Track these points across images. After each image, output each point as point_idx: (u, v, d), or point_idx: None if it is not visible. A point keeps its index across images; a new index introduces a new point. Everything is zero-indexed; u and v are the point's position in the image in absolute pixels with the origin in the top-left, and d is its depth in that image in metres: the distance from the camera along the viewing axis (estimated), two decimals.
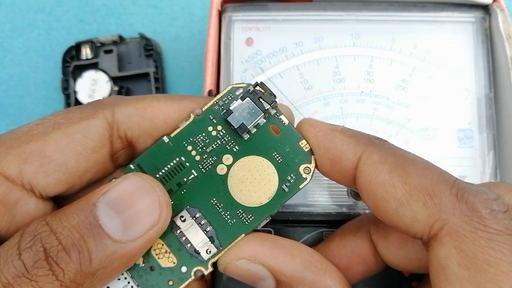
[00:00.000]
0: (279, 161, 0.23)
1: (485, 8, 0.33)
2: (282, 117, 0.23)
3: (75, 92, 0.43)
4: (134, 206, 0.20)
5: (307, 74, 0.33)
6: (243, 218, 0.22)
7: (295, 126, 0.23)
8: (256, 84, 0.23)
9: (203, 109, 0.23)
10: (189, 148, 0.23)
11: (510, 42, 0.31)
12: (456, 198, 0.18)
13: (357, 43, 0.33)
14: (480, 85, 0.32)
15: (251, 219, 0.22)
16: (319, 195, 0.31)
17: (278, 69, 0.33)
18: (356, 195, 0.30)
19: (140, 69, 0.45)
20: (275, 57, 0.33)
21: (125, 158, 0.24)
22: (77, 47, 0.45)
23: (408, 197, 0.19)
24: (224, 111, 0.23)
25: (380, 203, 0.20)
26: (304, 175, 0.23)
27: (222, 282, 0.29)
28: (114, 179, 0.22)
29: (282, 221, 0.30)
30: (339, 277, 0.22)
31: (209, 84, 0.32)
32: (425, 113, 0.32)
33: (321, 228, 0.30)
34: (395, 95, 0.32)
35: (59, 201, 0.23)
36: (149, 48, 0.45)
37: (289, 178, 0.23)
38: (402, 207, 0.19)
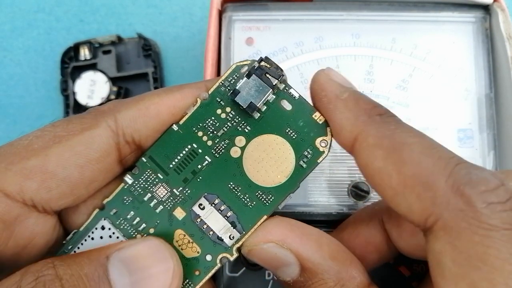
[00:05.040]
0: (294, 137, 0.22)
1: (486, 8, 0.33)
2: (292, 90, 0.22)
3: (74, 93, 0.43)
4: (148, 269, 0.19)
5: (307, 74, 0.32)
6: (263, 199, 0.22)
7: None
8: (261, 60, 0.22)
9: (209, 92, 0.22)
10: (200, 134, 0.22)
11: (510, 42, 0.31)
12: (451, 191, 0.17)
13: (358, 43, 0.33)
14: (480, 85, 0.32)
15: (271, 199, 0.22)
16: (319, 195, 0.31)
17: None
18: (356, 195, 0.30)
19: (139, 69, 0.45)
20: (275, 57, 0.33)
21: (134, 159, 0.23)
22: (75, 48, 0.44)
23: (402, 187, 0.18)
24: (231, 91, 0.22)
25: (377, 189, 0.20)
26: (321, 149, 0.22)
27: (222, 282, 0.29)
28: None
29: None
30: (363, 268, 0.22)
31: None
32: (426, 113, 0.32)
33: (321, 228, 0.30)
34: (395, 95, 0.32)
35: (66, 213, 0.23)
36: (148, 48, 0.45)
37: (306, 153, 0.22)
38: (398, 197, 0.19)
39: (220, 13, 0.33)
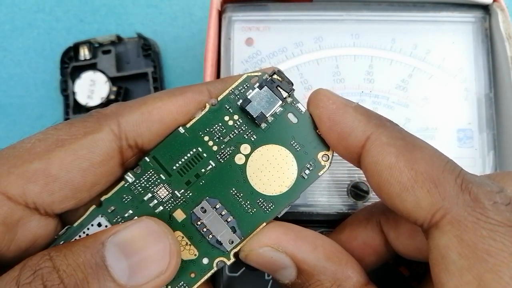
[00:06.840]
0: (297, 149, 0.23)
1: (485, 8, 0.33)
2: (299, 105, 0.23)
3: (73, 93, 0.43)
4: (144, 251, 0.19)
5: (307, 74, 0.32)
6: (263, 207, 0.22)
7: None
8: (274, 73, 0.23)
9: (219, 99, 0.23)
10: (206, 138, 0.23)
11: (510, 42, 0.31)
12: (460, 188, 0.18)
13: (357, 43, 0.33)
14: (480, 85, 0.32)
15: (271, 207, 0.23)
16: (319, 195, 0.31)
17: None
18: (355, 195, 0.30)
19: (138, 69, 0.45)
20: (275, 57, 0.33)
21: (135, 162, 0.23)
22: (75, 48, 0.44)
23: (413, 182, 0.19)
24: (242, 100, 0.22)
25: (384, 186, 0.20)
26: (322, 163, 0.23)
27: (222, 282, 0.29)
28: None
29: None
30: (360, 268, 0.22)
31: None
32: (425, 113, 0.32)
33: (321, 228, 0.30)
34: (395, 95, 0.32)
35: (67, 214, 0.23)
36: (147, 48, 0.45)
37: (308, 166, 0.23)
38: (406, 192, 0.19)
39: (220, 14, 0.33)
